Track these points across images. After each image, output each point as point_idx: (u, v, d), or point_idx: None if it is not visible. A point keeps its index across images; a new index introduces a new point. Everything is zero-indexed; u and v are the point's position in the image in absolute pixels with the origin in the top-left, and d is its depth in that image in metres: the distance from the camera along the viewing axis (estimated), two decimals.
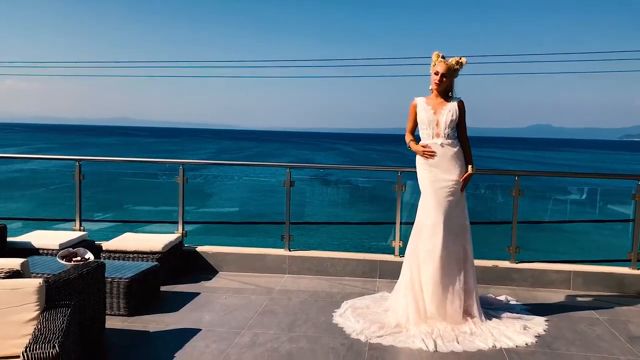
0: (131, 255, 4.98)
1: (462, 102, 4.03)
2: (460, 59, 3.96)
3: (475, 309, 3.99)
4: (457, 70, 3.99)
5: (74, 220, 5.81)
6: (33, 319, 2.56)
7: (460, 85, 4.08)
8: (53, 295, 2.75)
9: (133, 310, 4.12)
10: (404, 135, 4.15)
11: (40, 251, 4.90)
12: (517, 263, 5.17)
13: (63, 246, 4.88)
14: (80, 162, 5.75)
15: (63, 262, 4.08)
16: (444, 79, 3.95)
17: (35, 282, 2.62)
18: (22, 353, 2.19)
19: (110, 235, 5.46)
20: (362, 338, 3.67)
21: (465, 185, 4.04)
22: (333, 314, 4.19)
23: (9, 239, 4.94)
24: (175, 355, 3.39)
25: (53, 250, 4.90)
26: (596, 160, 75.43)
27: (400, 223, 5.34)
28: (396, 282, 4.26)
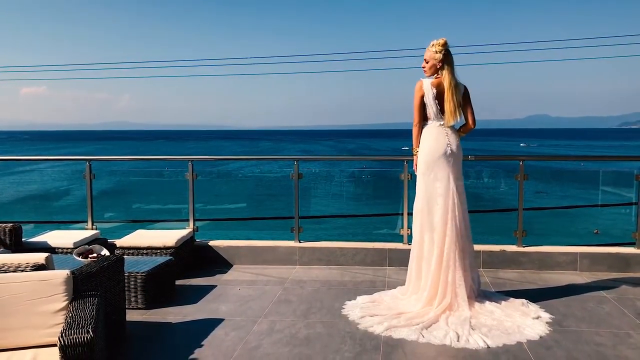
0: (145, 251, 5.07)
1: (418, 82, 4.05)
2: (434, 40, 3.99)
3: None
4: (436, 52, 3.97)
5: (86, 221, 5.89)
6: (62, 309, 2.64)
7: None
8: (79, 286, 2.84)
9: (150, 303, 4.21)
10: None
11: (56, 250, 4.99)
12: (524, 247, 5.26)
13: (77, 244, 4.97)
14: (90, 162, 5.83)
15: (80, 259, 4.17)
16: (425, 64, 4.04)
17: (63, 273, 2.71)
18: (59, 338, 2.28)
19: (121, 233, 5.55)
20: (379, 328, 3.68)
21: (414, 166, 4.21)
22: (344, 306, 4.20)
23: (24, 239, 5.03)
24: (196, 343, 3.48)
25: (68, 249, 4.99)
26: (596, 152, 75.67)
27: (408, 212, 5.42)
28: (405, 269, 4.34)
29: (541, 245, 5.29)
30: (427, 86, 4.01)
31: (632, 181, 5.39)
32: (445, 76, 3.98)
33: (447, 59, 3.98)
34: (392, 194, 5.76)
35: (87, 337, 2.30)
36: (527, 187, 5.34)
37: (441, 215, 4.00)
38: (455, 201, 4.01)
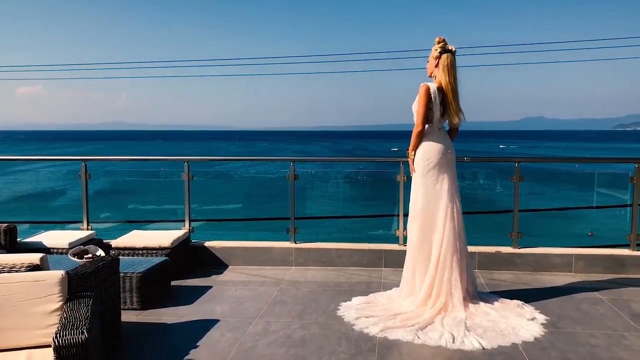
0: (140, 252, 5.06)
1: (421, 86, 3.99)
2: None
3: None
4: (434, 51, 4.03)
5: (81, 221, 5.87)
6: (57, 310, 2.63)
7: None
8: (74, 286, 2.83)
9: (146, 304, 4.20)
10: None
11: (51, 250, 4.97)
12: (519, 248, 5.27)
13: (73, 245, 4.94)
14: (86, 162, 5.82)
15: (75, 259, 4.15)
16: (428, 64, 4.12)
17: (57, 274, 2.70)
18: (53, 339, 2.27)
19: (116, 234, 5.53)
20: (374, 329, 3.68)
21: (411, 168, 4.18)
22: (340, 307, 4.20)
23: (19, 239, 5.01)
24: (191, 344, 3.47)
25: (63, 249, 4.97)
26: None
27: (404, 214, 5.43)
28: (401, 270, 4.34)
29: (536, 247, 5.31)
30: (433, 89, 3.99)
31: (627, 183, 5.41)
32: (442, 77, 3.99)
33: (443, 58, 4.00)
34: (388, 196, 5.77)
35: (81, 338, 2.29)
36: (523, 188, 5.36)
37: (443, 216, 4.01)
38: (453, 202, 4.04)
